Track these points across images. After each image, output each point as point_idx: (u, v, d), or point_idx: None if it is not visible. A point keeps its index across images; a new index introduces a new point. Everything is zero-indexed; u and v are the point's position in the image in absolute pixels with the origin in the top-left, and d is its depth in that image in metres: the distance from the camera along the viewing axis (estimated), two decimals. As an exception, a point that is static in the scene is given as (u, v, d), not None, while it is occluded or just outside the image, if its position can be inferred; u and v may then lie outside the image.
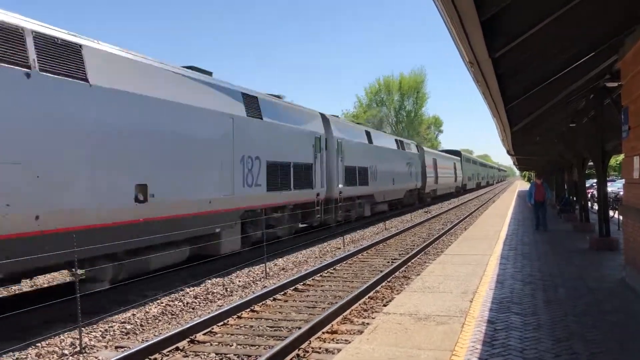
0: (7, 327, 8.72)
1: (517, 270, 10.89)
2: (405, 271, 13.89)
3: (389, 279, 12.65)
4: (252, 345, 8.02)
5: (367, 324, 8.63)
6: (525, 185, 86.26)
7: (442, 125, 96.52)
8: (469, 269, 11.04)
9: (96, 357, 7.71)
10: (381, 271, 13.46)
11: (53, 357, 7.71)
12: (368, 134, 28.61)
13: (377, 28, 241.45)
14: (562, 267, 11.18)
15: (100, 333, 8.79)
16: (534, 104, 11.05)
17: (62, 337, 8.49)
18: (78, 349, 8.01)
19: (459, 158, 64.87)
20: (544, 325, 6.87)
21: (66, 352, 7.92)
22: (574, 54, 8.58)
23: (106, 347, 8.22)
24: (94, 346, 8.23)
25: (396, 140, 35.04)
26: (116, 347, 8.19)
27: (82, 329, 8.34)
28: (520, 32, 5.51)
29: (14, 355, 7.64)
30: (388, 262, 15.39)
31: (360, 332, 7.97)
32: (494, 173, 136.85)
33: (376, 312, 9.61)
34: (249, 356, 7.51)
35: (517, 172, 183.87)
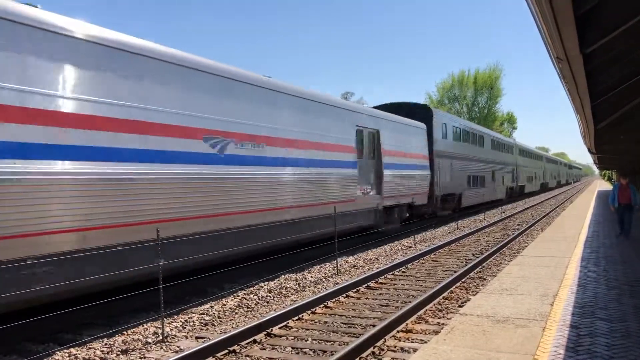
0: (99, 314, 9.24)
1: (599, 274, 10.43)
2: (480, 272, 13.59)
3: (463, 280, 12.43)
4: (327, 341, 8.10)
5: (443, 324, 8.52)
6: (605, 186, 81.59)
7: (517, 122, 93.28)
8: (548, 271, 10.69)
9: (178, 347, 8.01)
10: (455, 271, 13.24)
11: (138, 345, 8.08)
12: None
13: (450, 22, 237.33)
14: (650, 272, 10.61)
15: (180, 323, 9.14)
16: (621, 100, 10.53)
17: (145, 326, 8.90)
18: (160, 338, 8.36)
19: (423, 127, 24.67)
20: (634, 333, 6.56)
21: (149, 340, 8.28)
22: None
23: (186, 337, 8.53)
24: (175, 336, 8.57)
25: None
26: (196, 338, 8.49)
27: (164, 319, 8.70)
28: (617, 24, 5.23)
29: (103, 341, 8.07)
30: (462, 262, 15.12)
31: (437, 332, 7.90)
32: (560, 171, 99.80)
33: (452, 312, 9.48)
34: (325, 351, 7.59)
35: (596, 171, 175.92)
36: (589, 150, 25.72)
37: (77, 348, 7.73)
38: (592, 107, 9.93)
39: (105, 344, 7.97)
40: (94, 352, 7.62)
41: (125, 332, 8.55)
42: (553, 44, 5.05)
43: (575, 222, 21.80)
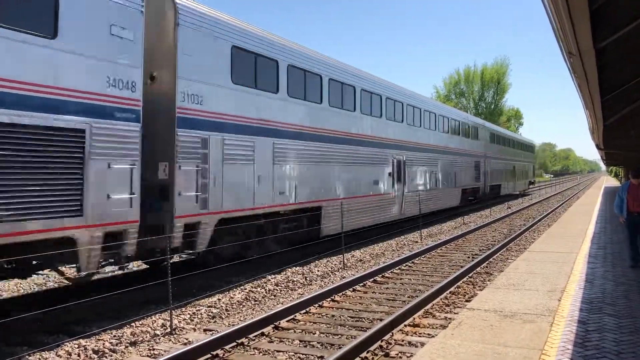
0: (107, 306, 9.31)
1: (607, 270, 10.42)
2: (487, 267, 13.59)
3: (470, 275, 12.43)
4: (334, 334, 8.13)
5: (451, 319, 8.54)
6: (612, 182, 79.90)
7: (523, 118, 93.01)
8: (555, 267, 10.68)
9: (186, 339, 8.06)
10: (462, 266, 13.25)
11: (146, 337, 8.14)
12: None
13: (458, 18, 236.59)
14: (658, 269, 10.58)
15: (188, 316, 9.19)
16: (632, 95, 10.46)
17: (154, 319, 8.95)
18: (169, 330, 8.42)
19: None
20: (642, 329, 6.55)
21: (158, 332, 8.34)
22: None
23: (194, 330, 8.58)
24: (183, 328, 8.62)
25: None
26: (204, 330, 8.53)
27: (172, 311, 8.75)
28: (630, 19, 5.19)
29: (112, 333, 8.13)
30: (468, 257, 15.11)
31: (444, 326, 7.91)
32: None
33: (459, 307, 9.49)
34: (332, 345, 7.62)
35: (603, 168, 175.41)
36: (597, 146, 25.60)
37: (86, 339, 7.78)
38: (602, 103, 9.88)
39: (114, 336, 8.02)
40: (103, 344, 7.68)
41: (133, 324, 8.60)
42: (565, 38, 5.02)
43: (582, 218, 21.74)
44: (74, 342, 7.67)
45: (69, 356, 7.23)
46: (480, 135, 34.20)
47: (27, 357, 7.14)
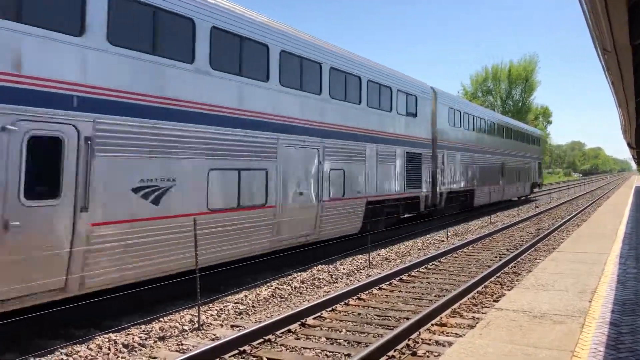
0: (136, 302, 9.45)
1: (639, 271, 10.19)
2: (514, 267, 13.43)
3: (498, 275, 12.30)
4: (361, 333, 8.13)
5: (479, 319, 8.46)
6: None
7: (552, 116, 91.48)
8: (585, 268, 10.49)
9: (214, 334, 8.14)
10: (489, 266, 13.12)
11: (175, 332, 8.24)
12: None
13: (485, 16, 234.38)
14: (693, 271, 10.31)
15: (215, 312, 9.28)
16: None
17: (182, 314, 9.05)
18: (196, 325, 8.51)
19: None
20: (677, 332, 6.40)
21: (186, 328, 8.43)
22: None
23: (222, 326, 8.66)
24: (211, 324, 8.70)
25: None
26: (231, 326, 8.60)
27: (200, 307, 8.84)
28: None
29: (141, 328, 8.25)
30: (496, 257, 14.95)
31: (472, 326, 7.84)
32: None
33: (487, 307, 9.40)
34: (359, 343, 7.62)
35: (634, 167, 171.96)
36: (629, 145, 25.07)
37: (116, 334, 7.91)
38: (636, 101, 9.67)
39: (144, 331, 8.14)
40: (133, 338, 7.79)
41: (162, 320, 8.71)
42: (601, 35, 4.91)
43: (612, 218, 21.31)
44: (105, 336, 7.81)
45: (99, 349, 7.36)
46: (422, 110, 20.28)
47: (59, 349, 7.28)
